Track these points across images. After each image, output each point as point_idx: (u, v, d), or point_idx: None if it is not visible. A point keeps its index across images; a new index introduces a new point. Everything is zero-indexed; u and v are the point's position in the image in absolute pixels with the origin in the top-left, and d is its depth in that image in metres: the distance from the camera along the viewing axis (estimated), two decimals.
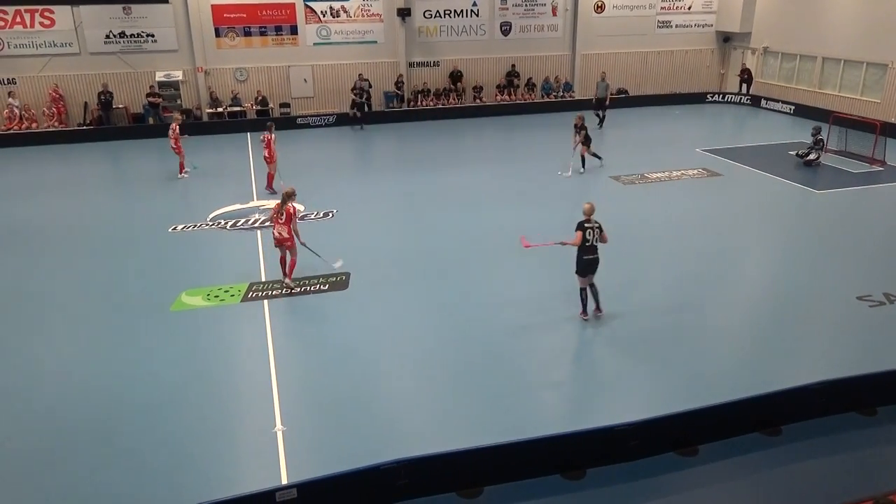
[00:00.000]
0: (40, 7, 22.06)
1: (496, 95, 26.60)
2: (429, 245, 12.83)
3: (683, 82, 28.87)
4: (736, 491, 6.56)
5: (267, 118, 22.99)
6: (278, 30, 24.44)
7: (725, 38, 28.85)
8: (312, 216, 14.30)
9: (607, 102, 22.85)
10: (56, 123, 22.69)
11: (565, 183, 16.61)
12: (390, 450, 6.65)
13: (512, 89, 26.68)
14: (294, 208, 10.73)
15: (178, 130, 17.21)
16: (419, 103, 25.60)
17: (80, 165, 20.06)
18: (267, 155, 15.93)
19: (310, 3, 24.38)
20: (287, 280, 10.91)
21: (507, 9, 26.26)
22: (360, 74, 24.46)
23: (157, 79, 23.55)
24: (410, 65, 25.95)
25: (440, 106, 25.64)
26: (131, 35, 23.17)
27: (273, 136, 15.89)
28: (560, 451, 6.74)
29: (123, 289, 11.13)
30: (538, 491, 6.49)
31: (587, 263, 9.27)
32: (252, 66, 24.58)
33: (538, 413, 7.67)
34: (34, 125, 22.51)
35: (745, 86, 27.28)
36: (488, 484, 6.55)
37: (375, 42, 25.41)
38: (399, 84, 25.51)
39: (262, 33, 24.33)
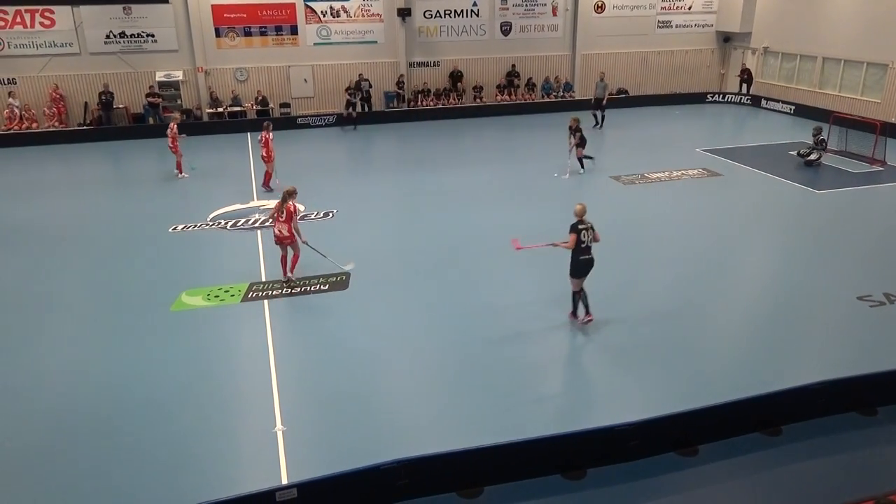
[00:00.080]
0: (40, 7, 22.06)
1: (496, 95, 26.59)
2: (429, 245, 12.82)
3: (683, 82, 28.87)
4: (736, 491, 6.56)
5: (267, 118, 23.03)
6: (278, 30, 24.44)
7: (725, 38, 28.84)
8: (313, 216, 14.30)
9: (604, 102, 22.81)
10: (56, 123, 22.69)
11: (566, 183, 16.61)
12: (390, 450, 6.64)
13: (512, 89, 26.68)
14: (294, 206, 10.85)
15: (175, 130, 17.23)
16: (419, 103, 25.60)
17: (81, 165, 20.07)
18: (265, 154, 16.00)
19: (310, 3, 24.38)
20: (290, 274, 11.05)
21: (508, 9, 26.26)
22: (360, 74, 24.47)
23: (158, 79, 23.55)
24: (410, 65, 25.95)
25: (440, 106, 25.63)
26: (131, 35, 23.17)
27: (271, 135, 15.95)
28: (560, 451, 6.74)
29: (123, 289, 11.13)
30: (538, 491, 6.49)
31: (583, 264, 9.18)
32: (252, 66, 24.57)
33: (538, 413, 7.67)
34: (34, 125, 22.51)
35: (745, 86, 27.27)
36: (488, 484, 6.55)
37: (375, 42, 25.41)
38: (400, 84, 25.51)
39: (263, 33, 24.33)
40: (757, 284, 11.32)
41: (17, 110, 22.28)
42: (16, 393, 8.28)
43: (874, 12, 22.18)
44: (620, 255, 11.80)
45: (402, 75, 25.56)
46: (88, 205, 15.81)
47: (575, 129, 16.94)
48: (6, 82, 22.57)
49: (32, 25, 22.25)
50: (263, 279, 11.27)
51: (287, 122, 23.78)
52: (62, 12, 22.36)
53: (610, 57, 27.66)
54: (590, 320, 9.45)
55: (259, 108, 24.23)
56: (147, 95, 23.25)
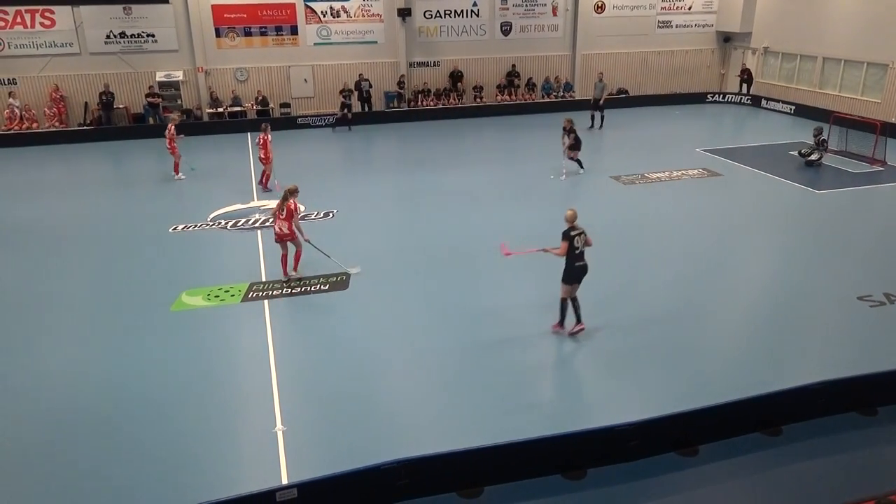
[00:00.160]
0: (41, 7, 22.06)
1: (496, 95, 26.59)
2: (430, 245, 12.82)
3: (684, 82, 28.86)
4: (736, 491, 6.56)
5: (267, 118, 23.06)
6: (279, 30, 24.44)
7: (726, 38, 28.84)
8: (313, 216, 14.30)
9: (601, 102, 22.69)
10: (56, 123, 22.69)
11: (566, 183, 16.61)
12: (390, 450, 6.65)
13: (512, 89, 26.68)
14: (295, 204, 10.94)
15: (173, 131, 17.23)
16: (419, 103, 25.60)
17: (81, 165, 20.08)
18: (263, 155, 16.03)
19: (310, 4, 24.38)
20: (294, 272, 11.12)
21: (508, 9, 26.26)
22: (360, 74, 24.48)
23: (158, 79, 23.56)
24: (411, 65, 25.95)
25: (440, 106, 25.63)
26: (132, 35, 23.18)
27: (269, 136, 15.97)
28: (560, 451, 6.73)
29: (124, 288, 11.13)
30: (538, 491, 6.49)
31: (578, 270, 8.86)
32: (252, 67, 24.58)
33: (538, 413, 7.67)
34: (35, 125, 22.52)
35: (745, 86, 27.26)
36: (488, 484, 6.55)
37: (376, 42, 25.41)
38: (401, 84, 25.50)
39: (263, 33, 24.33)
40: (757, 284, 11.31)
41: (17, 110, 22.29)
42: (16, 393, 8.28)
43: (874, 12, 22.18)
44: (620, 255, 11.81)
45: (403, 75, 25.56)
46: (89, 205, 15.81)
47: (569, 130, 16.85)
48: (6, 82, 22.57)
49: (33, 26, 22.26)
50: (264, 279, 11.27)
51: (287, 123, 23.79)
52: (62, 12, 22.37)
53: (610, 57, 27.66)
54: (581, 330, 9.11)
55: (259, 108, 24.24)
56: (147, 95, 23.25)
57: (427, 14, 25.57)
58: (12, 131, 22.18)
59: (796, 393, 7.40)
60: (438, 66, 26.33)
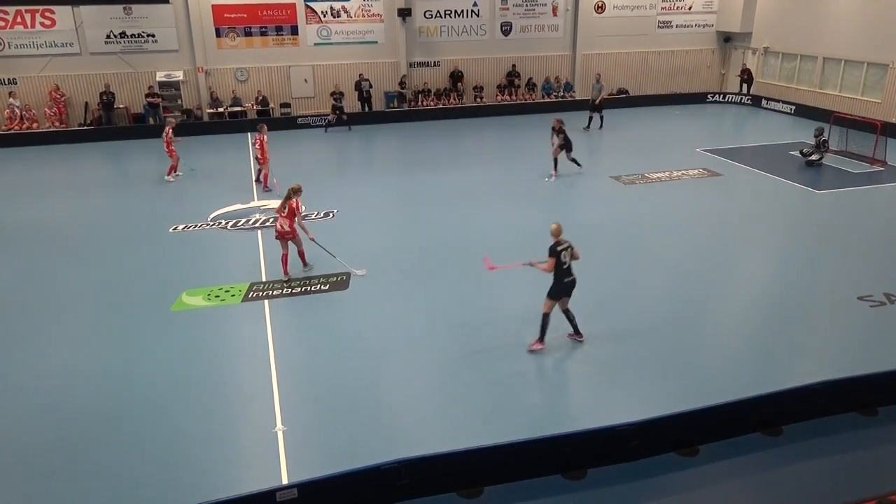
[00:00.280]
0: (41, 7, 22.07)
1: (497, 95, 26.59)
2: (430, 245, 12.82)
3: (684, 82, 28.86)
4: (736, 491, 6.56)
5: (267, 118, 23.06)
6: (279, 30, 24.44)
7: (726, 38, 28.84)
8: (313, 216, 14.29)
9: (598, 102, 22.52)
10: (57, 123, 22.70)
11: (566, 183, 16.60)
12: (391, 450, 6.65)
13: (512, 89, 26.67)
14: (298, 203, 11.01)
15: (171, 134, 17.22)
16: (420, 103, 25.60)
17: (81, 165, 20.07)
18: (259, 156, 16.06)
19: (310, 4, 24.38)
20: (303, 268, 11.39)
21: (508, 9, 26.26)
22: (360, 74, 24.48)
23: (158, 79, 23.57)
24: (411, 65, 25.94)
25: (441, 106, 25.63)
26: (132, 35, 23.18)
27: (265, 137, 15.99)
28: (560, 451, 6.73)
29: (124, 288, 11.13)
30: (538, 491, 6.49)
31: (566, 286, 8.61)
32: (252, 67, 24.58)
33: (538, 412, 7.68)
34: (35, 125, 22.52)
35: (745, 86, 27.26)
36: (488, 484, 6.55)
37: (376, 42, 25.41)
38: (403, 84, 25.50)
39: (263, 33, 24.33)
40: (757, 284, 11.31)
41: (17, 110, 22.30)
42: (16, 392, 8.28)
43: (874, 12, 22.18)
44: (621, 255, 11.81)
45: (404, 75, 25.56)
46: (89, 205, 15.82)
47: (558, 130, 16.74)
48: (7, 82, 22.58)
49: (33, 25, 22.27)
50: (264, 279, 11.27)
51: (287, 123, 23.79)
52: (62, 12, 22.38)
53: (610, 57, 27.66)
54: (580, 340, 9.01)
55: (259, 108, 24.24)
56: (147, 95, 23.26)
57: (427, 14, 25.57)
58: (12, 131, 22.19)
59: (796, 393, 7.40)
60: (438, 66, 26.33)
